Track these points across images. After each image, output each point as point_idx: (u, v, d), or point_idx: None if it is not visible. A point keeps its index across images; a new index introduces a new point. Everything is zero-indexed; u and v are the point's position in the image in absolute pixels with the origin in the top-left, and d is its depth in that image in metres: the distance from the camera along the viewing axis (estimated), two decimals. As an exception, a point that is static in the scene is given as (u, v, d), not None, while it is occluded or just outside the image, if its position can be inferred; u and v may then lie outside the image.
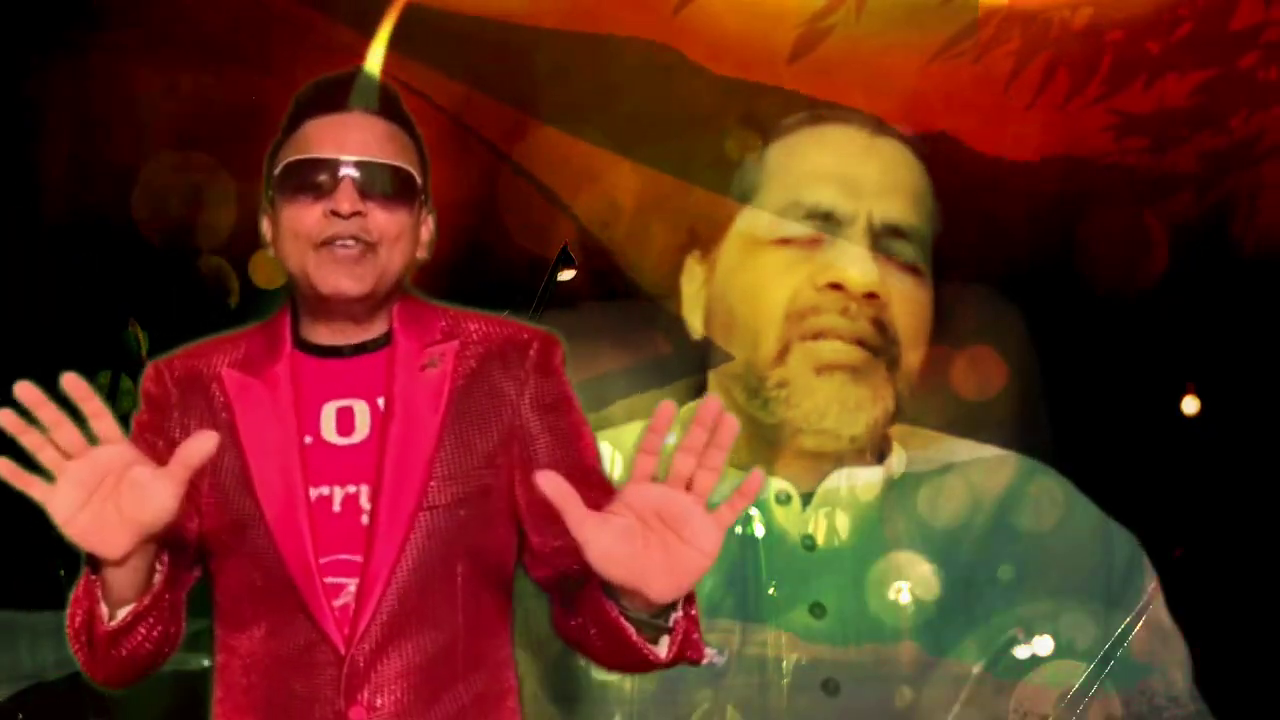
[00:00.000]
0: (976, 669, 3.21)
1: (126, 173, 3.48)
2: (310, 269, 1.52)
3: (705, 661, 1.49)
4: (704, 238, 3.43)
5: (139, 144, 3.53)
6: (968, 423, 3.39)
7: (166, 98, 3.57)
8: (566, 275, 2.97)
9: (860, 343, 3.23)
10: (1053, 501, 3.31)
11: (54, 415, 1.32)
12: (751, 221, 3.37)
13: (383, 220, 1.52)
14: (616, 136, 3.46)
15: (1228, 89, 3.51)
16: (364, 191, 1.51)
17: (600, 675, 3.21)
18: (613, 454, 3.37)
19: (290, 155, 1.54)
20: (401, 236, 1.55)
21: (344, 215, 1.50)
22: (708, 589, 3.24)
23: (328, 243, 1.51)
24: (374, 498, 1.50)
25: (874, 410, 3.25)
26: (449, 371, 1.55)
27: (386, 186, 1.53)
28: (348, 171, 1.51)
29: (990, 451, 3.36)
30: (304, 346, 1.58)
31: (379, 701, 1.48)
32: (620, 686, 3.20)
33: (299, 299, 1.58)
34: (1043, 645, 3.22)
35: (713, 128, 3.49)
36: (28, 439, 1.32)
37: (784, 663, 3.20)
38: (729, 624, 3.23)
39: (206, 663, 1.61)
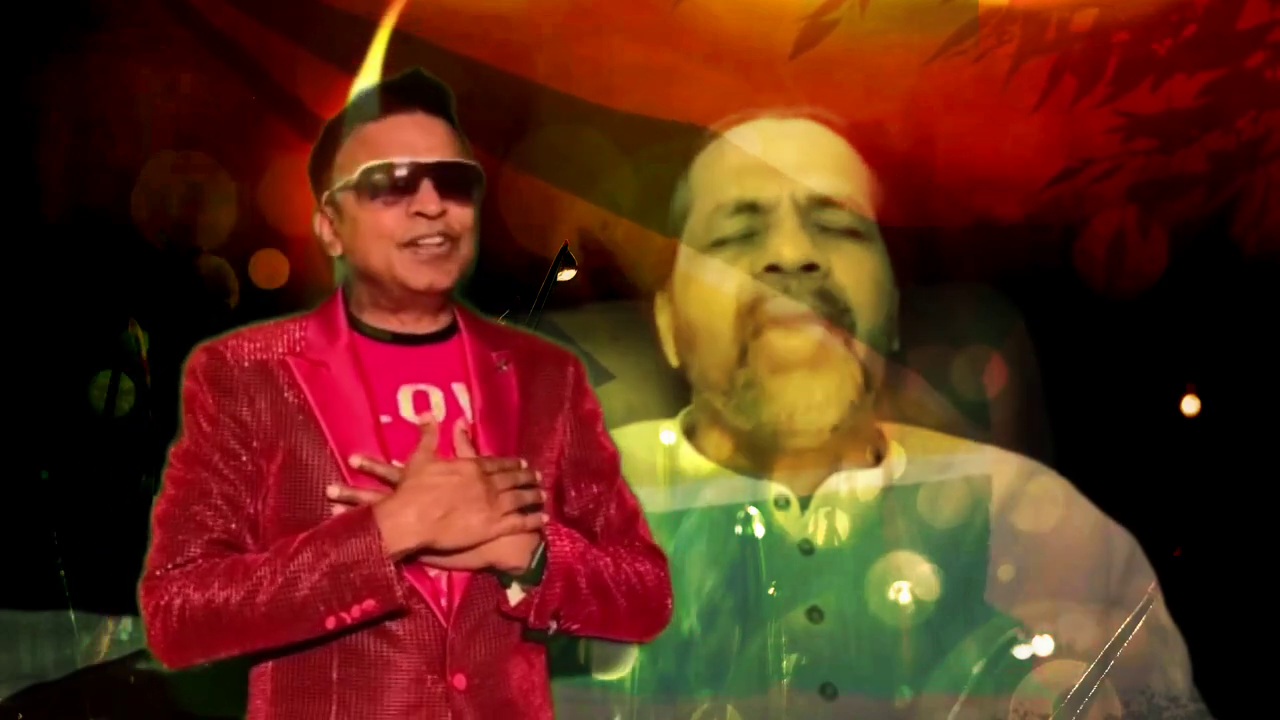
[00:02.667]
0: (976, 669, 3.21)
1: (126, 173, 3.48)
2: (399, 267, 1.60)
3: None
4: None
5: (139, 144, 3.54)
6: (968, 423, 3.39)
7: (166, 98, 3.57)
8: (566, 275, 2.97)
9: (809, 319, 3.25)
10: (1053, 501, 3.32)
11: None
12: (691, 236, 3.41)
13: (461, 215, 1.64)
14: (616, 136, 3.46)
15: (1235, 89, 3.51)
16: (443, 191, 1.61)
17: (600, 675, 3.21)
18: (612, 454, 3.38)
19: (363, 158, 1.61)
20: (474, 229, 1.66)
21: (431, 215, 1.59)
22: (708, 589, 3.25)
23: (413, 242, 1.59)
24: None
25: (841, 395, 3.26)
26: (514, 374, 1.67)
27: (462, 184, 1.64)
28: (428, 173, 1.60)
29: (990, 451, 3.36)
30: (368, 333, 1.65)
31: (474, 673, 1.56)
32: (620, 686, 3.21)
33: (371, 291, 1.64)
34: (1043, 645, 3.22)
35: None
36: None
37: (783, 663, 3.20)
38: (729, 625, 3.23)
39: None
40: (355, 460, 1.55)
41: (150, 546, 1.59)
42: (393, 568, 1.49)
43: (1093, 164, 3.58)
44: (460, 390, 1.64)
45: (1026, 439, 3.38)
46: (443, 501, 1.51)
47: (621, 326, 3.47)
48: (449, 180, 1.63)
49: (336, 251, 1.66)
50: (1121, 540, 3.29)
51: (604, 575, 1.64)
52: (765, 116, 3.43)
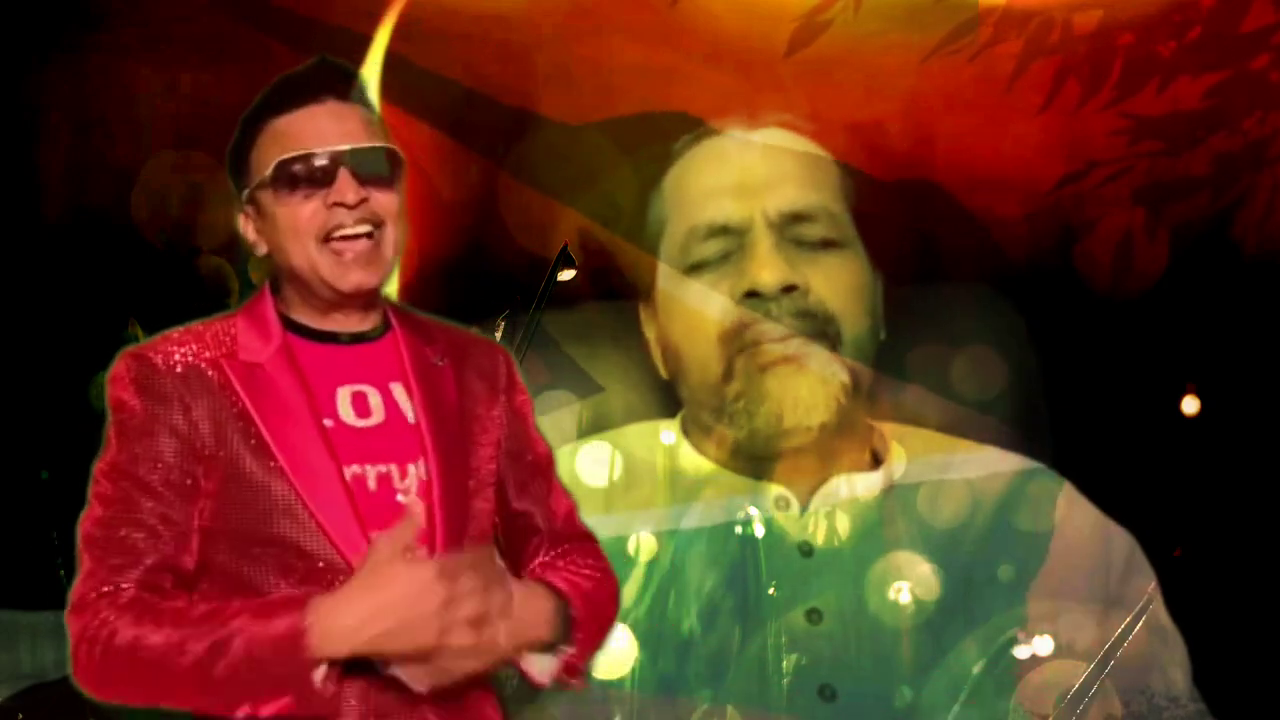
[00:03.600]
0: (976, 669, 3.21)
1: (126, 173, 3.48)
2: (323, 269, 1.53)
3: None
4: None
5: (139, 144, 3.54)
6: (968, 423, 3.39)
7: (166, 98, 3.57)
8: (566, 275, 2.97)
9: (793, 336, 3.26)
10: (1053, 501, 3.32)
11: None
12: (667, 255, 3.41)
13: (384, 202, 1.55)
14: (617, 136, 3.46)
15: (1240, 91, 3.51)
16: (362, 178, 1.53)
17: (600, 675, 3.21)
18: (613, 454, 3.38)
19: (276, 152, 1.54)
20: (399, 215, 1.58)
21: (350, 204, 1.51)
22: (708, 589, 3.25)
23: (333, 235, 1.52)
24: (430, 477, 1.53)
25: (827, 393, 3.26)
26: (449, 369, 1.61)
27: (381, 169, 1.55)
28: (344, 161, 1.53)
29: (990, 451, 3.36)
30: (302, 332, 1.58)
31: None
32: (620, 686, 3.21)
33: (299, 290, 1.57)
34: (1043, 645, 3.22)
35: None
36: None
37: (783, 664, 3.20)
38: (729, 625, 3.23)
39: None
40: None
41: (79, 569, 1.48)
42: (320, 670, 1.37)
43: (1099, 166, 3.58)
44: (398, 390, 1.57)
45: (1026, 439, 3.38)
46: (392, 610, 1.38)
47: (621, 326, 3.47)
48: (367, 166, 1.54)
49: (262, 251, 1.59)
50: (1121, 540, 3.29)
51: (595, 600, 1.61)
52: (731, 128, 3.43)
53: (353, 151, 1.53)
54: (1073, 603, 3.24)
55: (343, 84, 1.58)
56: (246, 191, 1.58)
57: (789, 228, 3.31)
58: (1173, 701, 3.19)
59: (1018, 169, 3.57)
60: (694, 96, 3.49)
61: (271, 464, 1.48)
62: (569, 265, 2.98)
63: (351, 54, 3.51)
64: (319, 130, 1.54)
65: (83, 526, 1.50)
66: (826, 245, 3.33)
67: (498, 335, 3.01)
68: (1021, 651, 3.22)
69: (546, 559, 1.65)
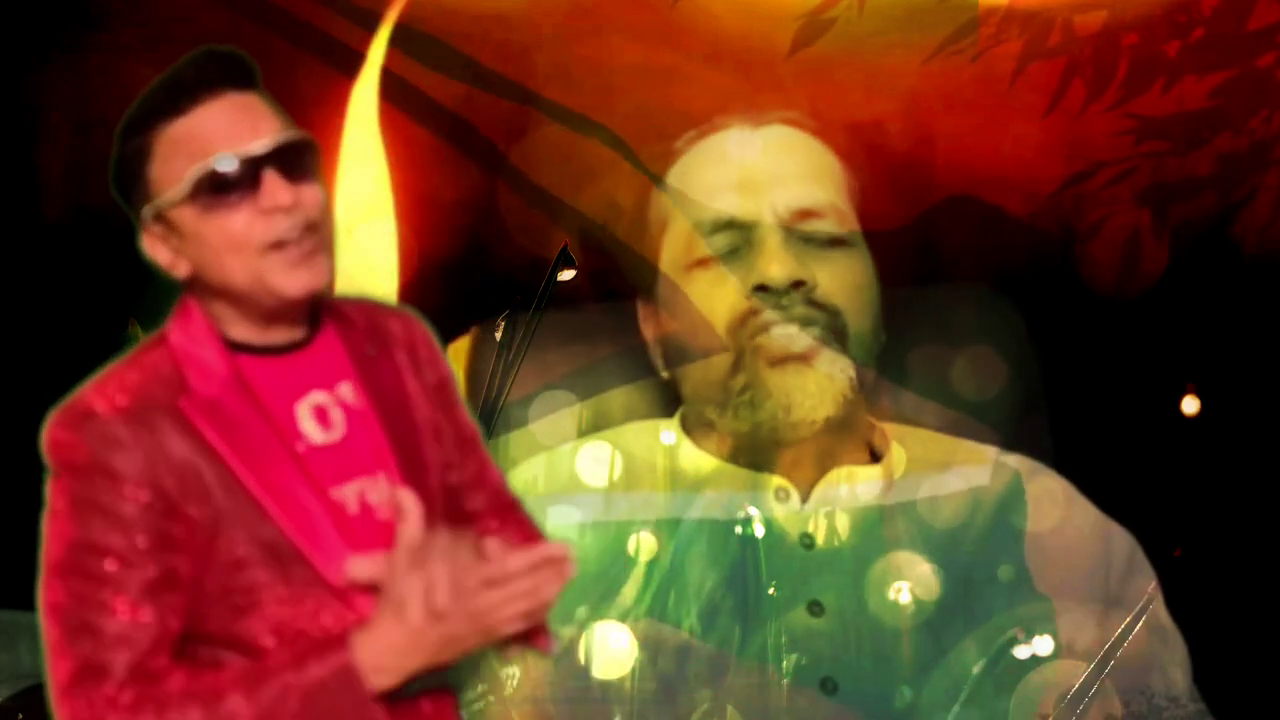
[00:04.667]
0: (976, 669, 3.21)
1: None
2: (270, 277, 1.38)
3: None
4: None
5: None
6: (968, 423, 3.39)
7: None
8: (566, 275, 2.97)
9: (802, 330, 3.27)
10: (1052, 501, 3.32)
11: None
12: (671, 253, 3.41)
13: (314, 197, 1.41)
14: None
15: (1245, 90, 3.51)
16: (289, 176, 1.39)
17: (600, 675, 3.21)
18: (612, 453, 3.38)
19: (184, 163, 1.38)
20: (329, 206, 1.45)
21: (287, 207, 1.38)
22: (708, 587, 3.25)
23: (278, 243, 1.38)
24: (397, 479, 1.42)
25: (835, 387, 3.26)
26: (380, 354, 1.48)
27: (304, 161, 1.42)
28: (268, 162, 1.38)
29: (990, 451, 3.36)
30: (247, 351, 1.44)
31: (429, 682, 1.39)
32: (620, 686, 3.20)
33: (236, 307, 1.43)
34: (1043, 645, 3.22)
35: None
36: None
37: (784, 662, 3.20)
38: (729, 624, 3.23)
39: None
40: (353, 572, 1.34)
41: (50, 655, 1.39)
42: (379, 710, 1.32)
43: (1105, 167, 3.57)
44: (346, 389, 1.44)
45: (1026, 439, 3.38)
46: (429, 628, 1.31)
47: (621, 327, 3.47)
48: (291, 163, 1.39)
49: (182, 273, 1.41)
50: (1121, 540, 3.29)
51: None
52: (736, 125, 3.43)
53: (276, 151, 1.38)
54: (1073, 603, 3.24)
55: (236, 72, 1.41)
56: (150, 209, 1.41)
57: (798, 223, 3.31)
58: (1173, 701, 3.19)
59: (1018, 169, 3.57)
60: (694, 96, 3.49)
61: (251, 505, 1.36)
62: (569, 265, 2.98)
63: (352, 53, 3.52)
64: (227, 130, 1.38)
65: (51, 604, 1.41)
66: (834, 243, 3.34)
67: (498, 336, 3.01)
68: (1021, 651, 3.22)
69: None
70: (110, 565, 1.34)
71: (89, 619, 1.35)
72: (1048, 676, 3.21)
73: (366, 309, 1.51)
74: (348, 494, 1.41)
